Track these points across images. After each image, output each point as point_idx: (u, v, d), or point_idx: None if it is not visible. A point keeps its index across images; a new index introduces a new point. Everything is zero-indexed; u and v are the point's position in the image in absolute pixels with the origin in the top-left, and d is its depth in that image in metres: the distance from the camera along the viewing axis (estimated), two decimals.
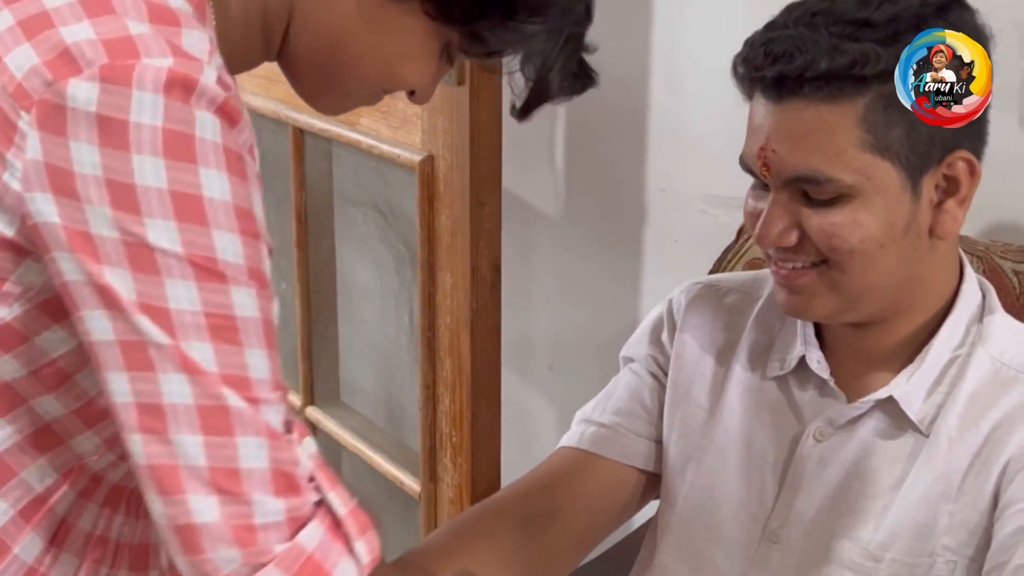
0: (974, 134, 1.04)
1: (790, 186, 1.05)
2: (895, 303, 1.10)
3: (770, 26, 1.05)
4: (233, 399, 0.75)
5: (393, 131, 1.68)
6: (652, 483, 1.27)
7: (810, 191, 1.04)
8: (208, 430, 0.75)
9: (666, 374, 1.27)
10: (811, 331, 1.17)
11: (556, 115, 1.88)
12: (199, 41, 0.77)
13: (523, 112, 0.92)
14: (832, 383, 1.15)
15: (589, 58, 0.93)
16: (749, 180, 1.11)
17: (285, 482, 0.77)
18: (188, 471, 0.75)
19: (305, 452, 0.79)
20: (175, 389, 0.74)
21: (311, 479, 0.79)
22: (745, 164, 1.08)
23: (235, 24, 0.86)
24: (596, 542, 1.28)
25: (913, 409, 1.10)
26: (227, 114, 0.75)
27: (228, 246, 0.75)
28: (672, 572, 1.22)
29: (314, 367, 2.03)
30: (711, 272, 1.44)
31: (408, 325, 1.92)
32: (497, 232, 1.60)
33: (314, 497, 0.79)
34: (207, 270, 0.74)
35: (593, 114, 1.83)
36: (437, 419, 1.71)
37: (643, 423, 1.27)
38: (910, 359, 1.11)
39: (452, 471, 1.71)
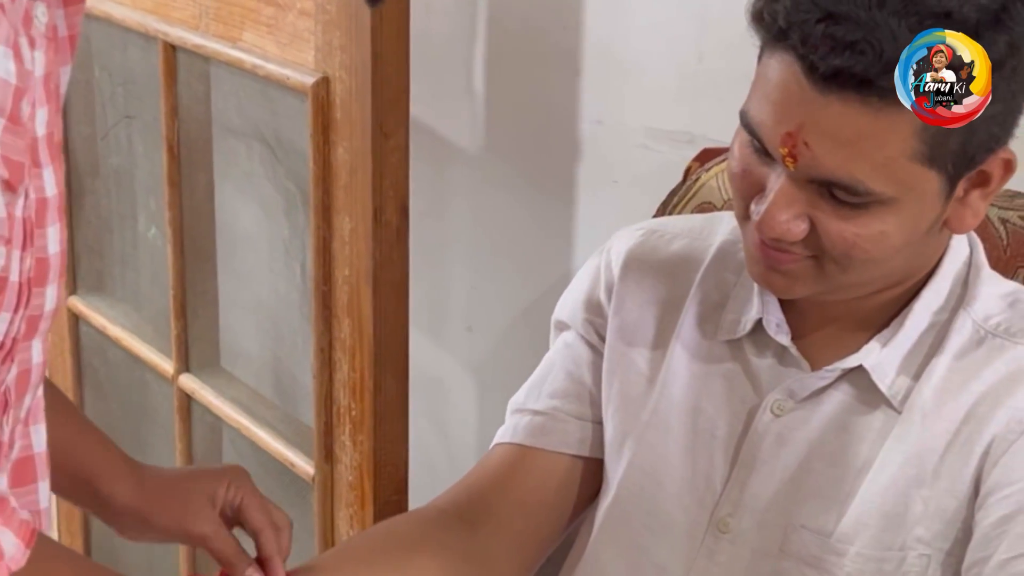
0: (1012, 126, 1.06)
1: (816, 181, 1.03)
2: (882, 284, 1.12)
3: None
4: None
5: (281, 48, 1.66)
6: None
7: (839, 194, 1.03)
8: None
9: (605, 341, 1.27)
10: None
11: (474, 32, 1.87)
12: None
13: None
14: (794, 350, 1.16)
15: None
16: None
17: None
18: None
19: None
20: None
21: None
22: (751, 128, 1.05)
23: None
24: (546, 542, 1.29)
25: (885, 381, 1.12)
26: None
27: None
28: (605, 568, 1.23)
29: (189, 327, 2.00)
30: (655, 217, 1.45)
31: (300, 278, 1.91)
32: (404, 169, 1.59)
33: None
34: None
35: (518, 31, 1.84)
36: (334, 389, 1.71)
37: (585, 404, 1.28)
38: (886, 324, 1.13)
39: (351, 450, 1.71)
